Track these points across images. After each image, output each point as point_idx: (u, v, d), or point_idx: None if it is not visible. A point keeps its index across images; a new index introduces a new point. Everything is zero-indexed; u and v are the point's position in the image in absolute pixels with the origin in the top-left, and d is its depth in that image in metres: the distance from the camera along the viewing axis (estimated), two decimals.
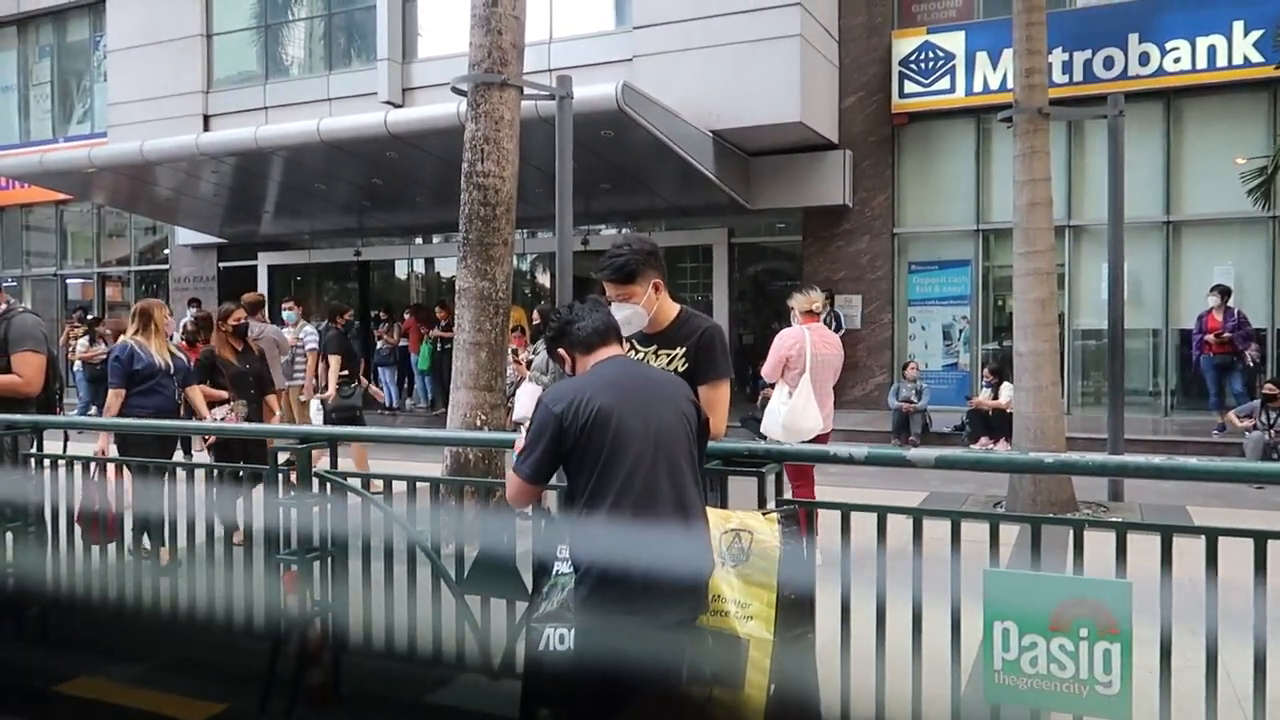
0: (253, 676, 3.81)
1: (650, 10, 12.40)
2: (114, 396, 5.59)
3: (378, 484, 3.89)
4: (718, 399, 3.13)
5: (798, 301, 6.23)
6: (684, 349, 3.17)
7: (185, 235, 17.37)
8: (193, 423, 5.93)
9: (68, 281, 19.73)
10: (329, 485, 3.81)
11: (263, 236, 17.06)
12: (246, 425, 6.04)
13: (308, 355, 9.53)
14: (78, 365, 14.00)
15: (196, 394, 6.09)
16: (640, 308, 3.15)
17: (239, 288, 14.45)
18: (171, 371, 5.82)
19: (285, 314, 10.21)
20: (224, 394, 6.35)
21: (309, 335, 9.76)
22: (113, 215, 18.80)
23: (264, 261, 17.29)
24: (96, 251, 19.38)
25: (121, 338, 5.96)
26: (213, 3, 16.20)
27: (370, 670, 3.85)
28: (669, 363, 3.18)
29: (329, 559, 3.80)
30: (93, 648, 4.47)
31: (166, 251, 18.40)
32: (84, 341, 13.90)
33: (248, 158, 12.86)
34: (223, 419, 6.22)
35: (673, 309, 3.26)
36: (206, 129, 15.41)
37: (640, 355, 3.25)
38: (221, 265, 17.59)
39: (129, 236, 19.08)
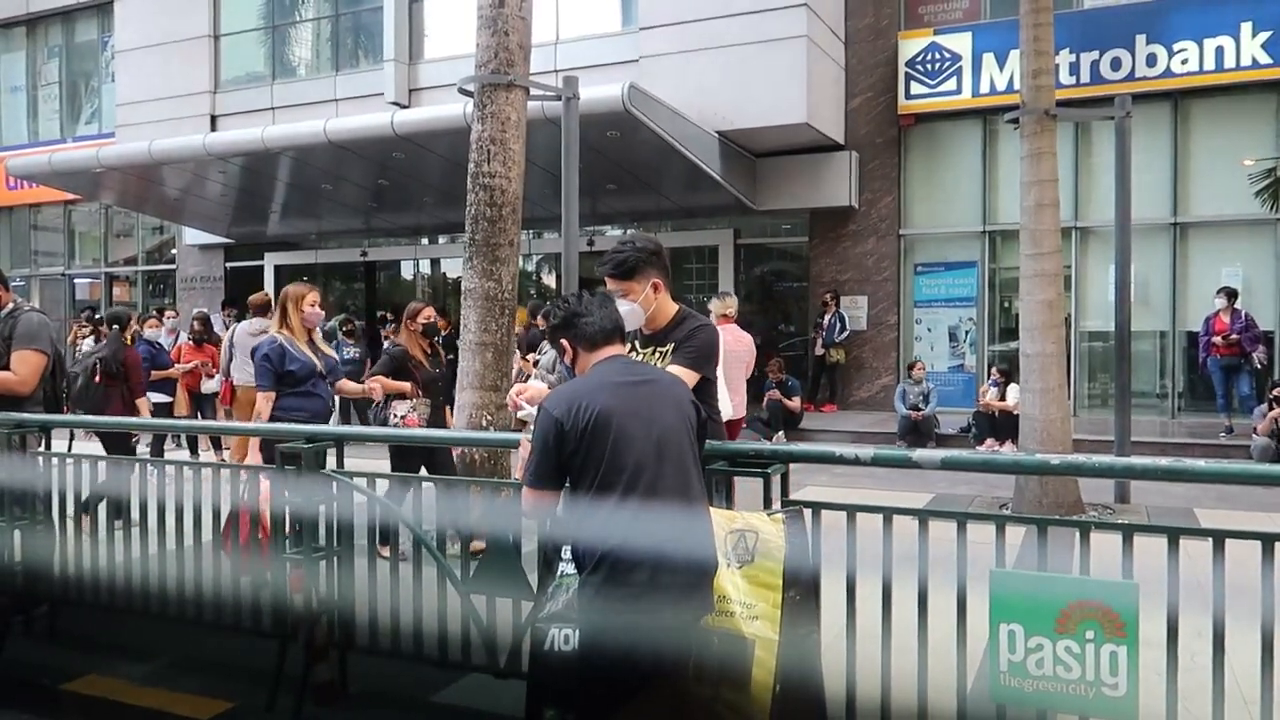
0: (261, 674, 3.82)
1: (656, 11, 12.41)
2: (264, 400, 5.14)
3: (383, 484, 3.90)
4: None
5: (715, 306, 7.27)
6: (673, 345, 3.21)
7: (192, 235, 17.43)
8: (214, 423, 5.87)
9: (75, 281, 19.81)
10: (335, 484, 3.81)
11: (270, 237, 17.12)
12: (258, 425, 6.02)
13: None
14: None
15: (349, 385, 5.76)
16: (637, 305, 3.17)
17: (246, 288, 14.49)
18: (324, 371, 5.37)
19: None
20: (406, 386, 6.02)
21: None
22: (120, 215, 18.87)
23: (270, 262, 17.33)
24: (104, 251, 19.46)
25: (269, 331, 5.50)
26: (220, 4, 16.26)
27: (376, 669, 3.86)
28: (665, 362, 3.20)
29: (335, 558, 3.81)
30: (100, 645, 4.48)
31: (174, 251, 18.47)
32: (89, 342, 13.95)
33: (255, 158, 12.90)
34: (403, 416, 5.96)
35: (671, 309, 3.28)
36: (214, 129, 15.47)
37: (639, 356, 3.27)
38: (228, 265, 17.65)
39: (136, 236, 19.15)
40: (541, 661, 2.73)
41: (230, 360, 8.81)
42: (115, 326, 7.60)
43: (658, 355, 3.24)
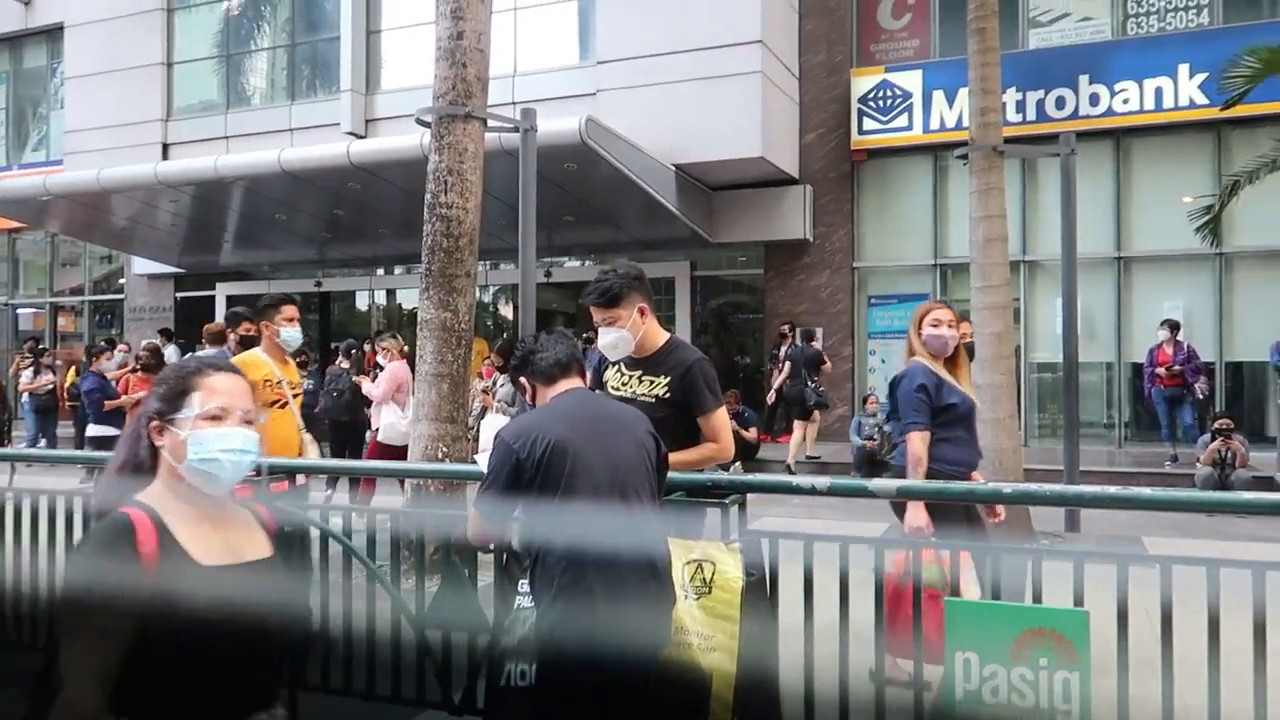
0: None
1: (614, 46, 12.54)
2: (920, 440, 4.07)
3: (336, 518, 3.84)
4: (714, 427, 3.22)
5: (391, 344, 8.54)
6: (668, 379, 3.21)
7: (142, 265, 17.13)
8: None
9: (19, 311, 19.33)
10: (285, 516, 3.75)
11: (221, 266, 16.88)
12: None
13: None
14: (25, 397, 13.70)
15: None
16: (626, 332, 3.18)
17: (197, 318, 14.25)
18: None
19: None
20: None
21: None
22: (67, 243, 18.51)
23: (222, 292, 17.09)
24: (50, 280, 19.04)
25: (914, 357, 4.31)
26: (174, 32, 16.12)
27: (326, 708, 3.77)
28: (651, 389, 3.21)
29: None
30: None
31: (122, 281, 18.12)
32: (28, 374, 13.62)
33: (207, 187, 12.75)
34: None
35: (660, 336, 3.30)
36: (165, 158, 15.27)
37: (625, 379, 3.27)
38: (179, 295, 17.36)
39: (84, 265, 18.77)
40: (498, 697, 2.70)
41: None
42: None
43: (645, 381, 3.24)
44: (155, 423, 1.82)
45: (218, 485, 1.81)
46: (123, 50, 15.97)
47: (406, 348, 8.50)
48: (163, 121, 15.87)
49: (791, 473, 11.29)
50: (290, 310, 4.97)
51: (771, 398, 12.87)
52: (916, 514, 3.89)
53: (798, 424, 11.60)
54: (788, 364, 12.08)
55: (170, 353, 12.68)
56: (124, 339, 15.64)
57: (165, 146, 15.76)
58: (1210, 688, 2.61)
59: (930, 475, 4.00)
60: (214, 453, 1.78)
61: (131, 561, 1.65)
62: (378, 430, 8.20)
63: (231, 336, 6.33)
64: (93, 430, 9.38)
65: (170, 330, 15.07)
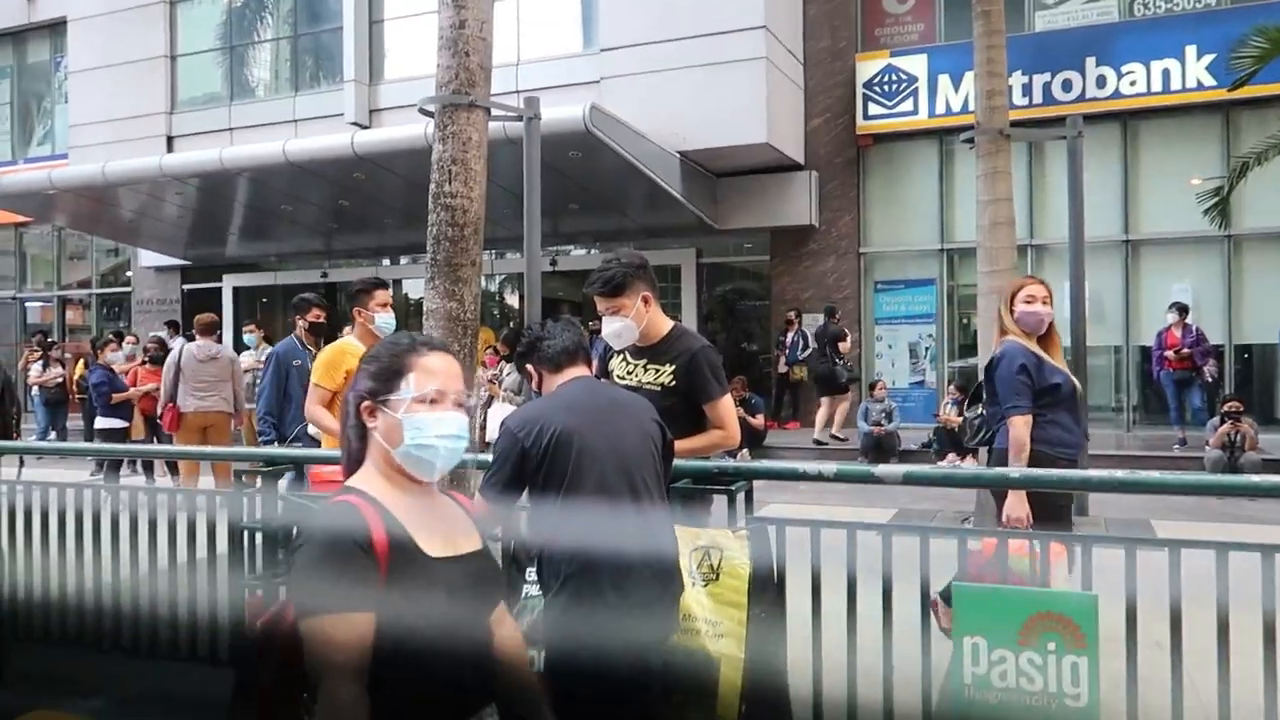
0: (216, 707, 3.73)
1: (617, 33, 12.49)
2: (1023, 424, 3.86)
3: None
4: (720, 415, 3.20)
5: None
6: (673, 367, 3.19)
7: (148, 257, 17.16)
8: (150, 446, 5.71)
9: (27, 305, 19.40)
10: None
11: (228, 258, 16.90)
12: (207, 449, 5.93)
13: None
14: (35, 390, 13.77)
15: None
16: (630, 321, 3.17)
17: (204, 310, 14.26)
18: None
19: (246, 338, 10.06)
20: None
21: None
22: (74, 237, 18.54)
23: (229, 284, 17.11)
24: (57, 274, 19.09)
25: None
26: (177, 24, 16.10)
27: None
28: (656, 377, 3.20)
29: None
30: (49, 680, 4.35)
31: (129, 274, 18.15)
32: (37, 367, 13.69)
33: (212, 179, 12.75)
34: None
35: (665, 324, 3.29)
36: (170, 150, 15.27)
37: (630, 368, 3.27)
38: (185, 287, 17.39)
39: (90, 259, 18.81)
40: None
41: (176, 384, 8.20)
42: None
43: (650, 369, 3.23)
44: (367, 403, 1.71)
45: (431, 472, 1.71)
46: (125, 43, 15.95)
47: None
48: (167, 114, 15.86)
49: (822, 445, 11.47)
50: (384, 295, 4.99)
51: (789, 376, 12.91)
52: (1018, 504, 3.66)
53: (826, 400, 11.70)
54: (813, 342, 12.23)
55: (177, 345, 12.68)
56: (131, 331, 15.68)
57: (170, 139, 15.76)
58: (1220, 671, 2.60)
59: (1035, 459, 3.77)
60: (430, 438, 1.68)
61: (366, 552, 1.56)
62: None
63: (300, 323, 6.18)
64: (100, 423, 9.41)
65: (177, 322, 15.09)
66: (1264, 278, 11.61)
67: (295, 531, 1.55)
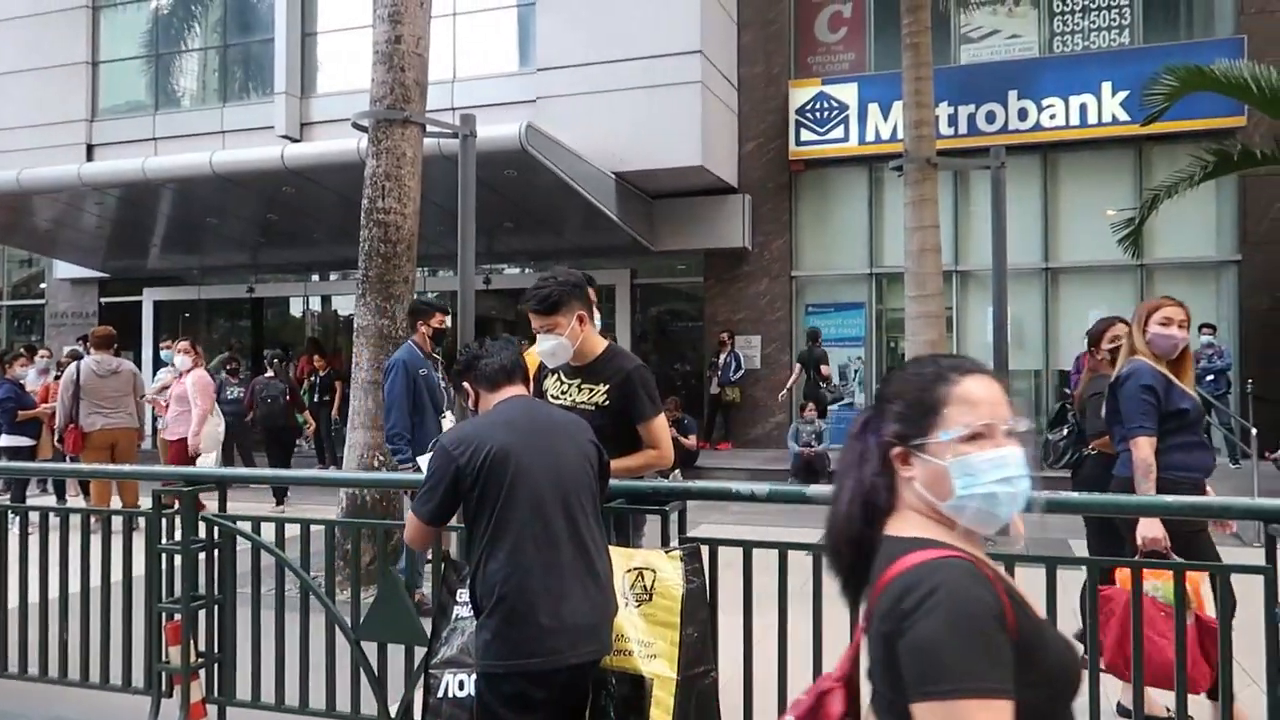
0: None
1: (554, 54, 12.52)
2: (1148, 445, 3.71)
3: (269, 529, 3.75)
4: (654, 434, 3.21)
5: (182, 362, 8.44)
6: (607, 386, 3.19)
7: (64, 269, 16.57)
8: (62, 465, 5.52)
9: None
10: (215, 530, 3.65)
11: (149, 271, 16.41)
12: (124, 468, 5.73)
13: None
14: None
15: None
16: (564, 339, 3.16)
17: (122, 324, 13.82)
18: None
19: (164, 354, 9.75)
20: None
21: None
22: None
23: (149, 297, 16.62)
24: None
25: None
26: (99, 29, 15.67)
27: None
28: (590, 396, 3.19)
29: (214, 607, 3.63)
30: None
31: (43, 285, 17.50)
32: None
33: (134, 189, 12.39)
34: None
35: (599, 344, 3.28)
36: (90, 159, 14.81)
37: (565, 387, 3.26)
38: (104, 300, 16.83)
39: (1, 269, 18.09)
40: (435, 709, 2.66)
41: (76, 403, 7.88)
42: None
43: (584, 389, 3.22)
44: (898, 449, 1.44)
45: (994, 524, 1.42)
46: (46, 48, 15.46)
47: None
48: (87, 122, 15.39)
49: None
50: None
51: (720, 397, 13.03)
52: (1153, 527, 3.46)
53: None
54: (798, 366, 12.56)
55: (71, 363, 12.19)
56: (45, 345, 15.09)
57: (90, 147, 15.29)
58: (1135, 684, 2.67)
59: (1161, 484, 3.60)
60: (989, 485, 1.38)
61: (1000, 625, 1.28)
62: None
63: (423, 329, 5.62)
64: (3, 440, 8.97)
65: (86, 338, 14.59)
66: None
67: (904, 590, 1.27)
